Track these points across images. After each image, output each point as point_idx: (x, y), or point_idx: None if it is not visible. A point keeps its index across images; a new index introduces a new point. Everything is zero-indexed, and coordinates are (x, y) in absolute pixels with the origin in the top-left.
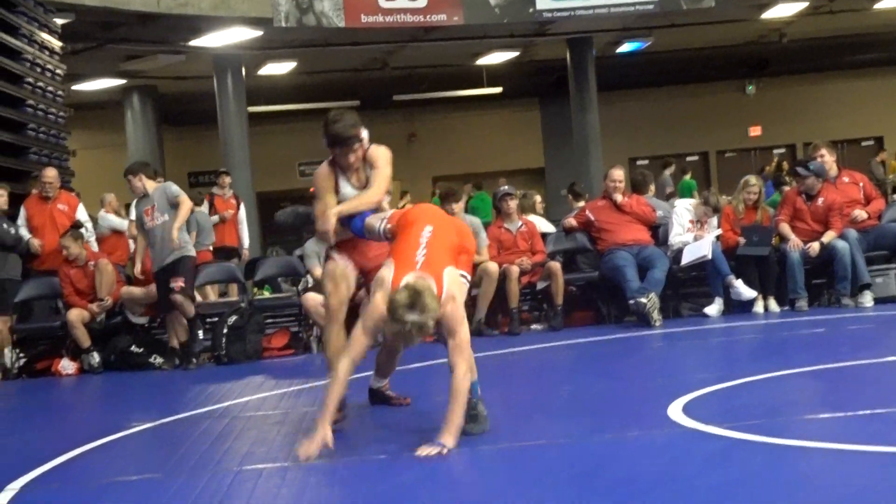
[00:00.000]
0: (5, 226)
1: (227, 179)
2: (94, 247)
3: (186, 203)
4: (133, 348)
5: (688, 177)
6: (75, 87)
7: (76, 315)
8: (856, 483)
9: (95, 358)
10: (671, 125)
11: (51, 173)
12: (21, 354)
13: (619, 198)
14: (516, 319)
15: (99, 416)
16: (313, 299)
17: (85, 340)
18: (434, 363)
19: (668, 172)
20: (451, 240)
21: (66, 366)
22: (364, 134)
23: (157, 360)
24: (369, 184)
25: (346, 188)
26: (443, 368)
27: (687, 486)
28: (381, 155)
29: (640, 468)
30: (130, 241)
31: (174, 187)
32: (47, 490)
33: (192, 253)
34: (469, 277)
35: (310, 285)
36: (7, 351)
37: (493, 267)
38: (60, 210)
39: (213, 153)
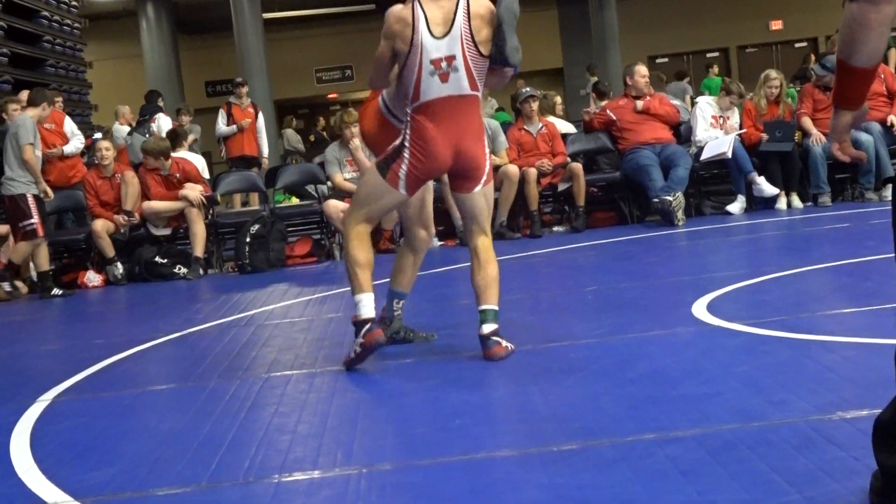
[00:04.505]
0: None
1: (245, 90)
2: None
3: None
4: (157, 259)
5: (713, 73)
6: None
7: (101, 225)
8: (880, 375)
9: (119, 268)
10: (690, 21)
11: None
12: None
13: (639, 104)
14: (537, 222)
15: (127, 326)
16: (334, 206)
17: (109, 250)
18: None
19: (685, 82)
20: None
21: (92, 278)
22: None
23: (182, 270)
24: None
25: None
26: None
27: (714, 379)
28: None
29: (666, 363)
30: None
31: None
32: (79, 400)
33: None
34: None
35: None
36: (32, 265)
37: (513, 170)
38: (48, 129)
39: (229, 62)
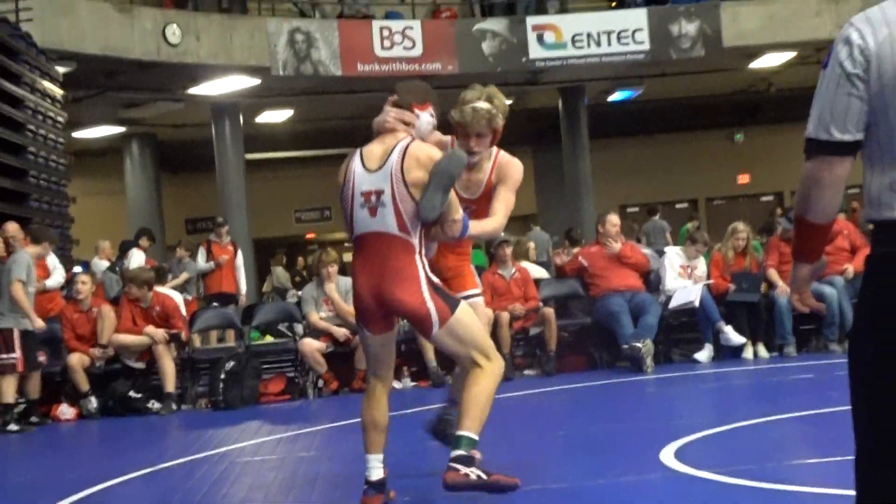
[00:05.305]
0: None
1: (225, 229)
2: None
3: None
4: (131, 393)
5: (689, 225)
6: (76, 135)
7: (76, 360)
8: None
9: (93, 402)
10: (661, 172)
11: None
12: (21, 400)
13: (616, 247)
14: (509, 365)
15: (98, 461)
16: (310, 345)
17: (84, 385)
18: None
19: (657, 217)
20: None
21: (65, 411)
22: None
23: (155, 405)
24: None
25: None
26: None
27: None
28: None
29: None
30: None
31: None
32: None
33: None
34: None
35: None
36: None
37: (487, 312)
38: None
39: (210, 199)
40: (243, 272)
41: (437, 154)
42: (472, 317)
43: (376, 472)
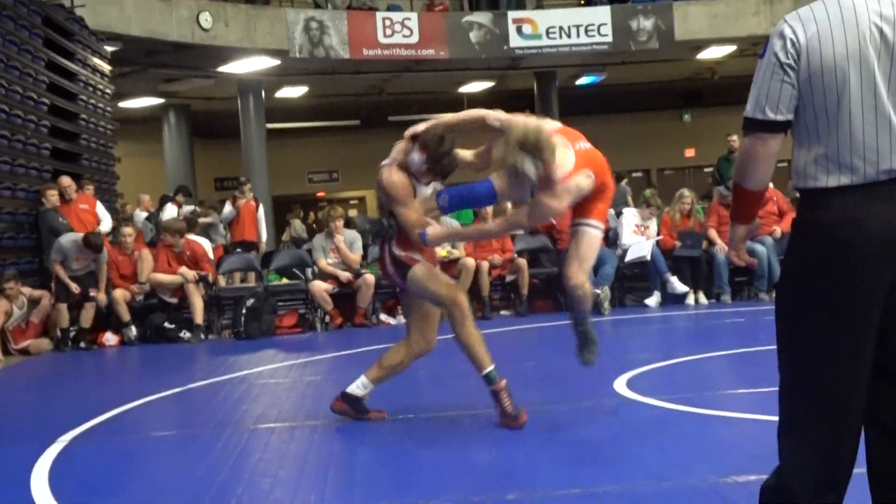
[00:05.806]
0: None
1: (248, 186)
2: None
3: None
4: (166, 324)
5: (648, 191)
6: (121, 105)
7: (120, 294)
8: (767, 447)
9: (133, 331)
10: (620, 146)
11: (65, 181)
12: (73, 328)
13: None
14: (488, 306)
15: (137, 381)
16: (318, 286)
17: (125, 315)
18: None
19: (623, 183)
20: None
21: (110, 338)
22: (413, 157)
23: (186, 334)
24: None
25: (422, 189)
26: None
27: (631, 444)
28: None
29: (592, 430)
30: None
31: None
32: (93, 442)
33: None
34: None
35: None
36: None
37: (470, 262)
38: (83, 209)
39: (236, 162)
40: (263, 223)
41: (385, 182)
42: (422, 278)
43: (354, 386)
